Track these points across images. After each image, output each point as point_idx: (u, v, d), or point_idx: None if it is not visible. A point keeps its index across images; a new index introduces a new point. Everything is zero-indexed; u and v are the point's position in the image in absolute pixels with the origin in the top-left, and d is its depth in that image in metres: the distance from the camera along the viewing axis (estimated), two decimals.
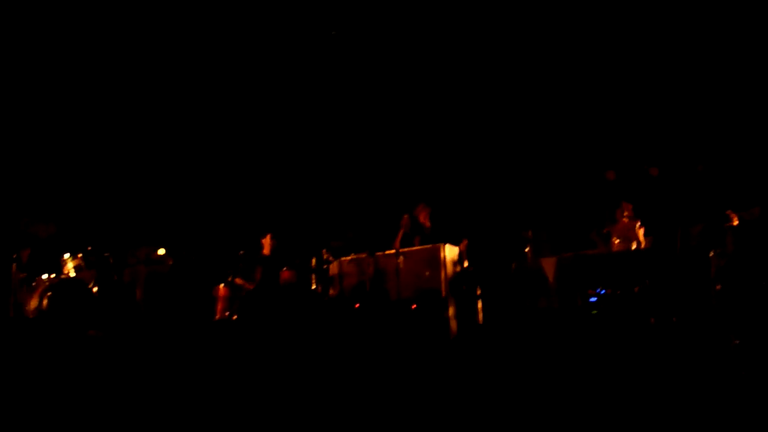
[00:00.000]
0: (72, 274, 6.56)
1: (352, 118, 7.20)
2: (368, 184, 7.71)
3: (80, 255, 6.62)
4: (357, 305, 6.31)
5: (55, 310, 6.20)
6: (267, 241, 7.06)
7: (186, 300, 6.86)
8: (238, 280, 6.70)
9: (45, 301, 6.25)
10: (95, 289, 6.51)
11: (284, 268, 6.63)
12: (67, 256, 6.59)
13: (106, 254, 6.60)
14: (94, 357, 4.84)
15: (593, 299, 5.90)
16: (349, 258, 6.80)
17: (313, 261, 6.88)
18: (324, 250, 6.77)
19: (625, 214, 6.35)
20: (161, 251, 6.90)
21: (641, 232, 6.27)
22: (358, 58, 6.53)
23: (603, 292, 5.90)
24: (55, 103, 6.29)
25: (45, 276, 6.46)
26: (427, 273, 6.34)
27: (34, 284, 6.42)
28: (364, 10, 5.83)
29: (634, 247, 6.20)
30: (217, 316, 6.54)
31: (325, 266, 6.85)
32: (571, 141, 7.05)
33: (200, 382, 3.79)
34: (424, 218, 6.86)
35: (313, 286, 6.83)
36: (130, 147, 7.06)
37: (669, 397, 3.06)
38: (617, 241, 6.42)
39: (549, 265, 6.27)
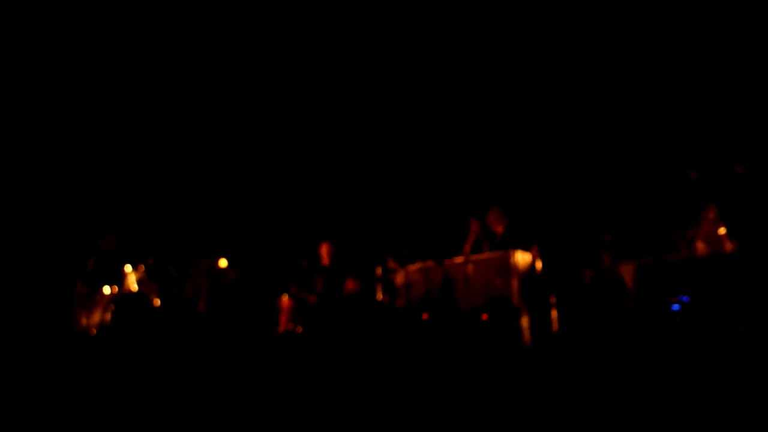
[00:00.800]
0: (134, 287, 7.07)
1: (420, 123, 7.48)
2: (435, 189, 7.84)
3: (142, 267, 7.11)
4: (425, 316, 6.46)
5: (118, 325, 6.70)
6: (325, 250, 7.36)
7: (249, 312, 7.18)
8: (301, 293, 7.06)
9: (108, 316, 6.79)
10: (157, 302, 6.96)
11: (348, 278, 6.95)
12: (128, 268, 7.08)
13: (168, 266, 7.08)
14: (158, 370, 5.23)
15: (676, 307, 5.97)
16: (415, 266, 6.91)
17: (379, 270, 7.02)
18: (389, 259, 6.99)
19: (710, 216, 6.39)
20: (223, 263, 7.30)
21: (725, 235, 6.29)
22: (424, 59, 6.87)
23: (687, 299, 5.96)
24: (113, 117, 6.84)
25: (107, 289, 6.94)
26: (498, 281, 6.46)
27: (96, 298, 6.94)
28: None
29: (718, 251, 6.23)
30: (281, 328, 6.94)
31: (390, 275, 6.99)
32: (651, 137, 7.11)
33: (266, 395, 3.97)
34: (495, 224, 6.90)
35: (379, 297, 6.99)
36: (190, 159, 7.54)
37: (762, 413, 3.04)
38: (702, 245, 6.44)
39: (627, 271, 6.29)
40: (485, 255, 6.66)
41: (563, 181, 7.56)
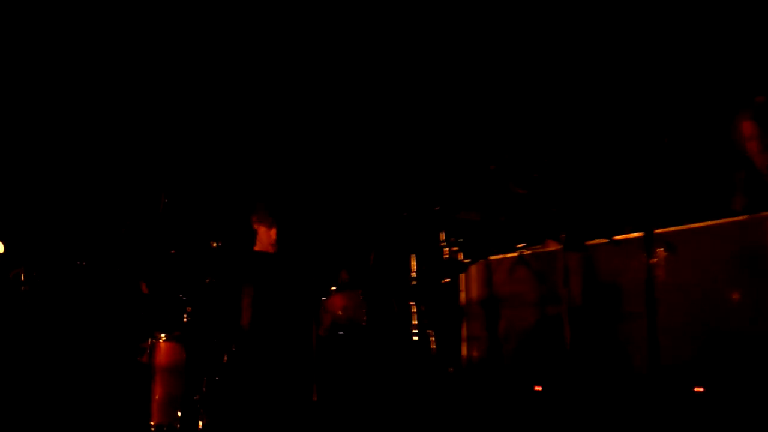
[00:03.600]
0: None
1: None
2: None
3: None
4: (538, 387, 6.19)
5: None
6: (264, 226, 7.11)
7: (80, 371, 6.76)
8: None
9: None
10: None
11: (333, 290, 6.64)
12: None
13: None
14: None
15: None
16: (511, 256, 6.63)
17: (413, 264, 6.73)
18: (441, 237, 6.52)
19: None
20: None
21: None
22: None
23: None
24: None
25: None
26: (736, 294, 5.48)
27: None
28: None
29: None
30: (154, 421, 6.25)
31: (443, 280, 6.71)
32: None
33: None
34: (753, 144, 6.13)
35: (415, 335, 6.61)
36: None
37: None
38: None
39: None
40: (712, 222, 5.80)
41: None
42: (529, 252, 6.47)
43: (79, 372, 6.82)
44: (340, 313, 6.57)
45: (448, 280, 6.69)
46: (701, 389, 5.43)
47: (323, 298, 6.64)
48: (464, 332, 6.84)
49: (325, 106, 9.36)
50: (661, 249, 5.65)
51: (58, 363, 6.81)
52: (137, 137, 9.09)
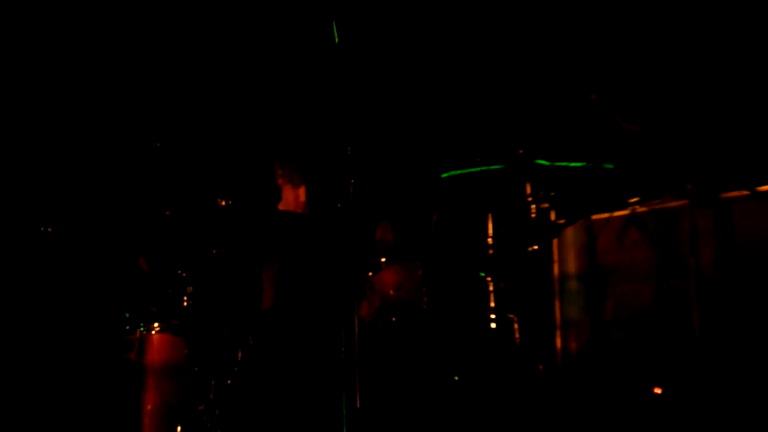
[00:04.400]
0: None
1: None
2: None
3: None
4: (658, 389, 5.76)
5: None
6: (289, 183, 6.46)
7: (48, 373, 5.89)
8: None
9: None
10: None
11: (382, 262, 5.94)
12: None
13: None
14: None
15: None
16: (620, 215, 6.14)
17: (489, 227, 6.26)
18: (527, 190, 6.14)
19: None
20: None
21: None
22: None
23: None
24: None
25: None
26: None
27: None
28: None
29: None
30: None
31: (530, 248, 6.21)
32: None
33: None
34: None
35: (493, 321, 6.05)
36: None
37: None
38: None
39: None
40: None
41: None
42: (644, 209, 5.98)
43: (47, 374, 5.87)
44: (393, 292, 5.86)
45: (537, 247, 6.09)
46: None
47: (370, 274, 5.92)
48: (558, 317, 6.32)
49: (370, 24, 7.89)
50: None
51: (18, 362, 5.84)
52: (119, 60, 7.66)
